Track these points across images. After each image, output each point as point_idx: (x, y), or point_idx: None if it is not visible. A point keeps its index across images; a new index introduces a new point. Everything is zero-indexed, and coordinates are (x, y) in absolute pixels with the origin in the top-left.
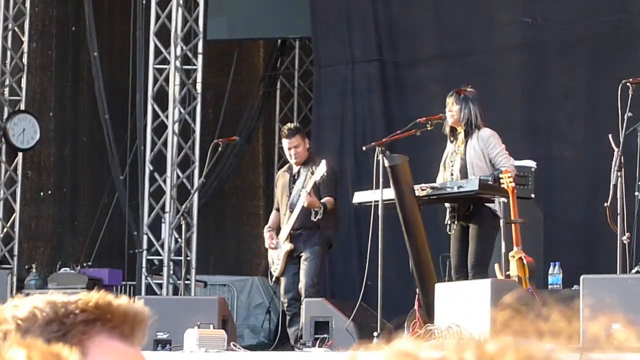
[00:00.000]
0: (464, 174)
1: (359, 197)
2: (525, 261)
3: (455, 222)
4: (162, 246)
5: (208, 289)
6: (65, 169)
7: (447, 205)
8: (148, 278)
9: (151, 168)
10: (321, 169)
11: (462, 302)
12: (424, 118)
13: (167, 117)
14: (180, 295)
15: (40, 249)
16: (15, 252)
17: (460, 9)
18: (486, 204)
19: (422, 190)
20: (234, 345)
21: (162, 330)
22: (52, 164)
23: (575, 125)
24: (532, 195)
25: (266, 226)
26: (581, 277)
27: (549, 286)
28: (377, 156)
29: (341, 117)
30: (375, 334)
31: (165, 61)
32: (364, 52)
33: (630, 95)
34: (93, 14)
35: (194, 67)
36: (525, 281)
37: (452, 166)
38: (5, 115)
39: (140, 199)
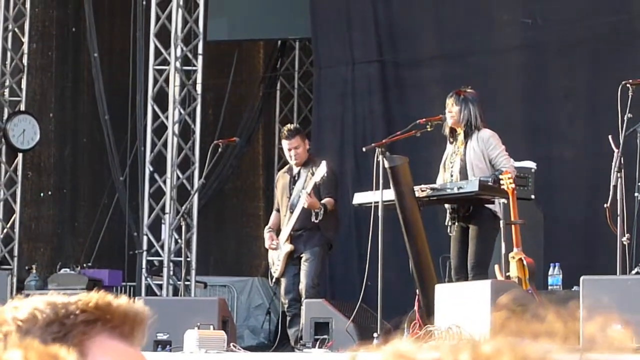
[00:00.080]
0: (463, 175)
1: (359, 198)
2: (525, 262)
3: (455, 223)
4: (162, 247)
5: (208, 289)
6: (65, 170)
7: (447, 206)
8: (148, 279)
9: (151, 169)
10: (321, 170)
11: (462, 303)
12: (423, 119)
13: (167, 118)
14: (180, 296)
15: (40, 250)
16: (15, 252)
17: (460, 9)
18: (486, 205)
19: (422, 191)
20: (233, 346)
21: (162, 331)
22: (52, 164)
23: (575, 126)
24: (532, 196)
25: (266, 227)
26: (581, 278)
27: (549, 287)
28: (377, 157)
29: (341, 118)
30: (375, 335)
31: (165, 62)
32: (364, 53)
33: (630, 96)
34: (93, 15)
35: (194, 68)
36: (525, 282)
37: (452, 167)
38: (6, 116)
39: (140, 199)
